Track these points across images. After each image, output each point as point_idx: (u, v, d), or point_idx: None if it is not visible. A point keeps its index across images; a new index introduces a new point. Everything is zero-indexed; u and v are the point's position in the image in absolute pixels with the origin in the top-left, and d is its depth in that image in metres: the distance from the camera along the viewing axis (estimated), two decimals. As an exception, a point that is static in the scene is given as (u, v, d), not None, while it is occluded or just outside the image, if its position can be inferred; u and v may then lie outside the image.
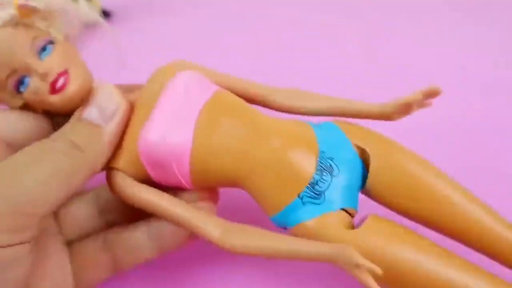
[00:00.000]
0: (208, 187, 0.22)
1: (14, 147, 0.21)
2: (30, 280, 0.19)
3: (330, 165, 0.20)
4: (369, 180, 0.21)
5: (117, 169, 0.21)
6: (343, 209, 0.20)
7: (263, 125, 0.21)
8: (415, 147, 0.32)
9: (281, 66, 0.45)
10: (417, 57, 0.46)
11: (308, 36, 0.51)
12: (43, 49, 0.21)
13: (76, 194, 0.24)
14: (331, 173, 0.20)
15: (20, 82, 0.21)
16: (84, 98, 0.21)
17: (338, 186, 0.20)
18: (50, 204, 0.19)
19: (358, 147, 0.22)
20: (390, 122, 0.22)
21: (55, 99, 0.21)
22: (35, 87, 0.20)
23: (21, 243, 0.18)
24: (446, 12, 0.57)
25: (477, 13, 0.56)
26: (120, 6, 0.55)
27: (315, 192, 0.20)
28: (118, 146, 0.21)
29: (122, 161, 0.21)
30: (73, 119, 0.21)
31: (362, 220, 0.21)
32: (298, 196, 0.20)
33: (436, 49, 0.47)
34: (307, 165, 0.20)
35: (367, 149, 0.21)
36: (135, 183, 0.21)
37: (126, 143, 0.21)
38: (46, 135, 0.22)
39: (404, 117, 0.22)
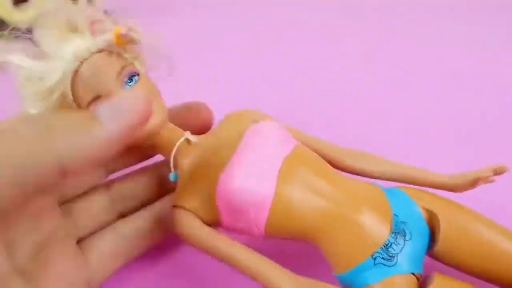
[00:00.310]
0: (277, 238, 0.22)
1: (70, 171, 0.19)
2: (44, 284, 0.19)
3: (403, 230, 0.21)
4: (440, 245, 0.21)
5: (188, 210, 0.21)
6: (412, 273, 0.20)
7: (343, 184, 0.21)
8: (413, 148, 0.33)
9: (281, 66, 0.45)
10: (417, 57, 0.46)
11: (308, 36, 0.51)
12: (130, 79, 0.21)
13: (90, 189, 0.24)
14: (404, 237, 0.21)
15: None
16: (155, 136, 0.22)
17: (409, 250, 0.20)
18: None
19: (427, 211, 0.22)
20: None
21: None
22: None
23: None
24: (446, 12, 0.57)
25: (477, 13, 0.56)
26: (120, 6, 0.55)
27: (389, 254, 0.20)
28: (193, 187, 0.22)
29: (196, 203, 0.21)
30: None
31: (426, 279, 0.21)
32: (372, 256, 0.20)
33: (436, 49, 0.47)
34: (383, 226, 0.21)
35: (438, 214, 0.21)
36: (204, 226, 0.21)
37: (203, 186, 0.21)
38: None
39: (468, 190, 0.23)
